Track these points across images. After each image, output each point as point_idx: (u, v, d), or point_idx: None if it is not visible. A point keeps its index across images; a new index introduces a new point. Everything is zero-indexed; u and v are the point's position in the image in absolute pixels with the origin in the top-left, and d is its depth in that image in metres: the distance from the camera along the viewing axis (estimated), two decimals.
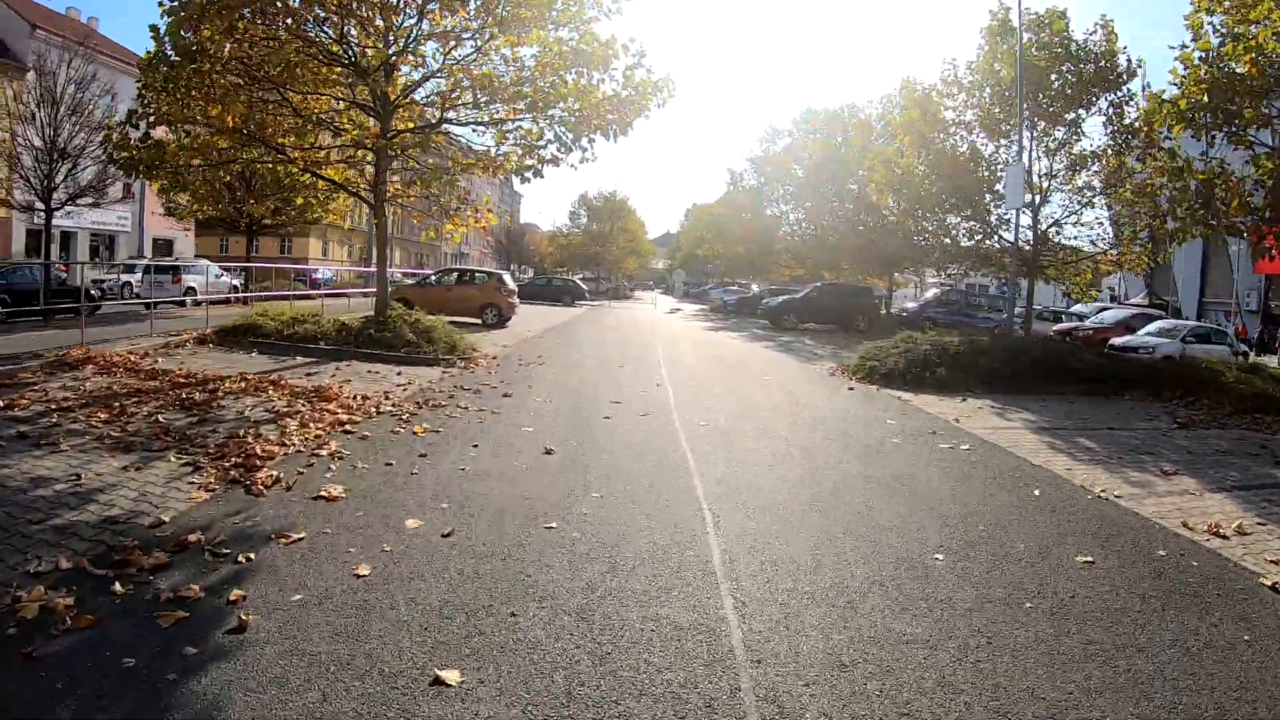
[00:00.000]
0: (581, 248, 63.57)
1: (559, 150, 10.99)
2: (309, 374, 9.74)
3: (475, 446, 6.35)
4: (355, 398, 8.15)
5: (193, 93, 9.98)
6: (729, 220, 46.07)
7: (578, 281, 41.30)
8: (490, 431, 6.97)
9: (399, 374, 10.16)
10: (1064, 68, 15.22)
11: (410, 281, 22.10)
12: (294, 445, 5.91)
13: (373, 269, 30.45)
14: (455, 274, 20.89)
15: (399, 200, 12.64)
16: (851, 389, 11.77)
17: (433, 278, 21.02)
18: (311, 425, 6.59)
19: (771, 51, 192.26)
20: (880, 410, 9.65)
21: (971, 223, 18.64)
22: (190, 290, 23.55)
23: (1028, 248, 16.53)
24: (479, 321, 19.74)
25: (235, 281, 27.09)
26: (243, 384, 8.61)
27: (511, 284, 20.67)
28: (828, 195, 35.76)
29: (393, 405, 7.94)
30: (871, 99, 35.36)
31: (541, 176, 12.03)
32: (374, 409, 7.64)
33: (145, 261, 26.42)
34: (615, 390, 9.92)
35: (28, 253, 27.61)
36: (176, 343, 11.88)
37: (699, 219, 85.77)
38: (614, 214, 64.65)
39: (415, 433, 6.72)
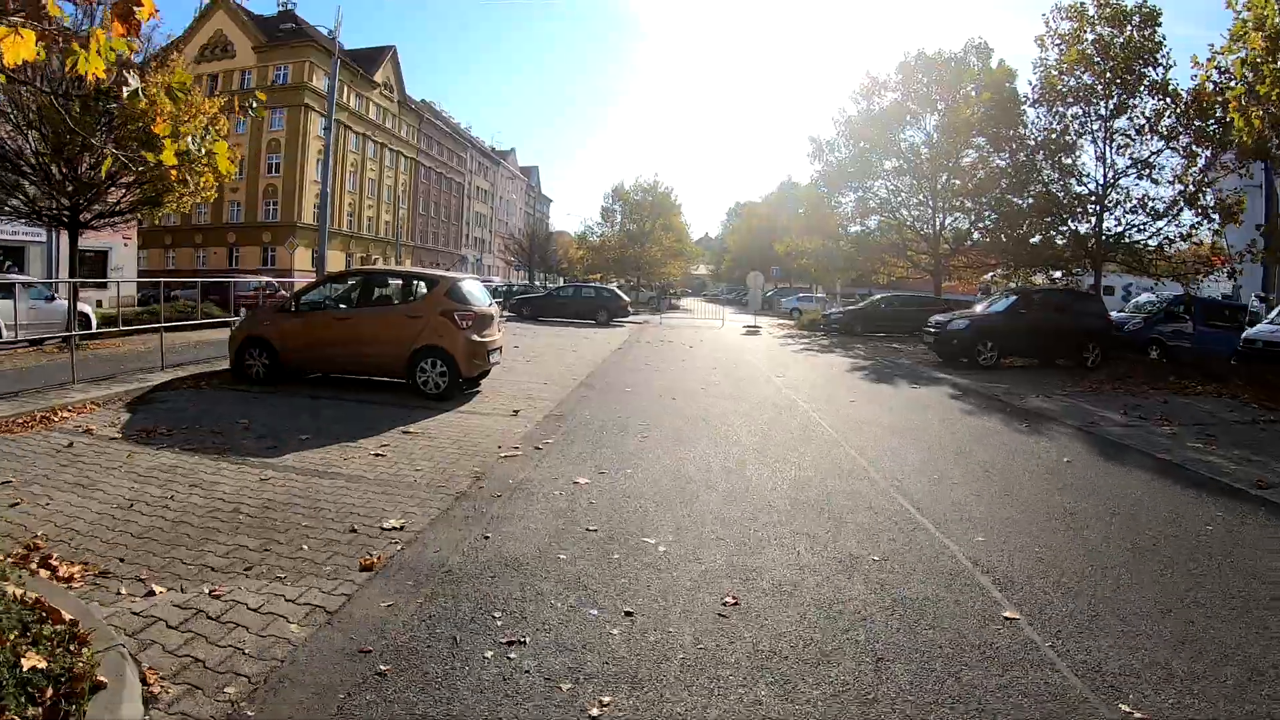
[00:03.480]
0: (617, 250, 52.52)
1: None
2: None
3: None
4: None
5: None
6: (809, 210, 34.72)
7: (617, 291, 29.99)
8: None
9: None
10: None
11: (278, 304, 11.02)
12: None
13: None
14: (360, 284, 9.71)
15: None
16: None
17: (318, 292, 10.18)
18: None
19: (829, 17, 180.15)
20: None
21: None
22: None
23: None
24: (404, 382, 8.88)
25: (86, 308, 16.62)
26: None
27: (482, 300, 9.58)
28: (964, 168, 24.95)
29: None
30: (1042, 14, 24.09)
31: None
32: None
33: None
34: None
35: None
36: None
37: (749, 216, 74.42)
38: (656, 209, 53.56)
39: None
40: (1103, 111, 19.83)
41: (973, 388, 12.23)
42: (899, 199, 29.97)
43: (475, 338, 8.81)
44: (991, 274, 34.30)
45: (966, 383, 12.86)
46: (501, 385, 10.22)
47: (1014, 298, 16.79)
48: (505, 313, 28.64)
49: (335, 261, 51.81)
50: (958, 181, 26.43)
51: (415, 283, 9.40)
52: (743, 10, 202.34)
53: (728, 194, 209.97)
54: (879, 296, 28.75)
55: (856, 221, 31.60)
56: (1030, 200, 21.12)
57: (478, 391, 9.57)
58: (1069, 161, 20.47)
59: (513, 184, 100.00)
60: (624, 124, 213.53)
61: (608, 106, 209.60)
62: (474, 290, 9.43)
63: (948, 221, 28.68)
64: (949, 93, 26.33)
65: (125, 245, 33.56)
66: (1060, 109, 20.08)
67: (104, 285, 26.61)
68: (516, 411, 8.17)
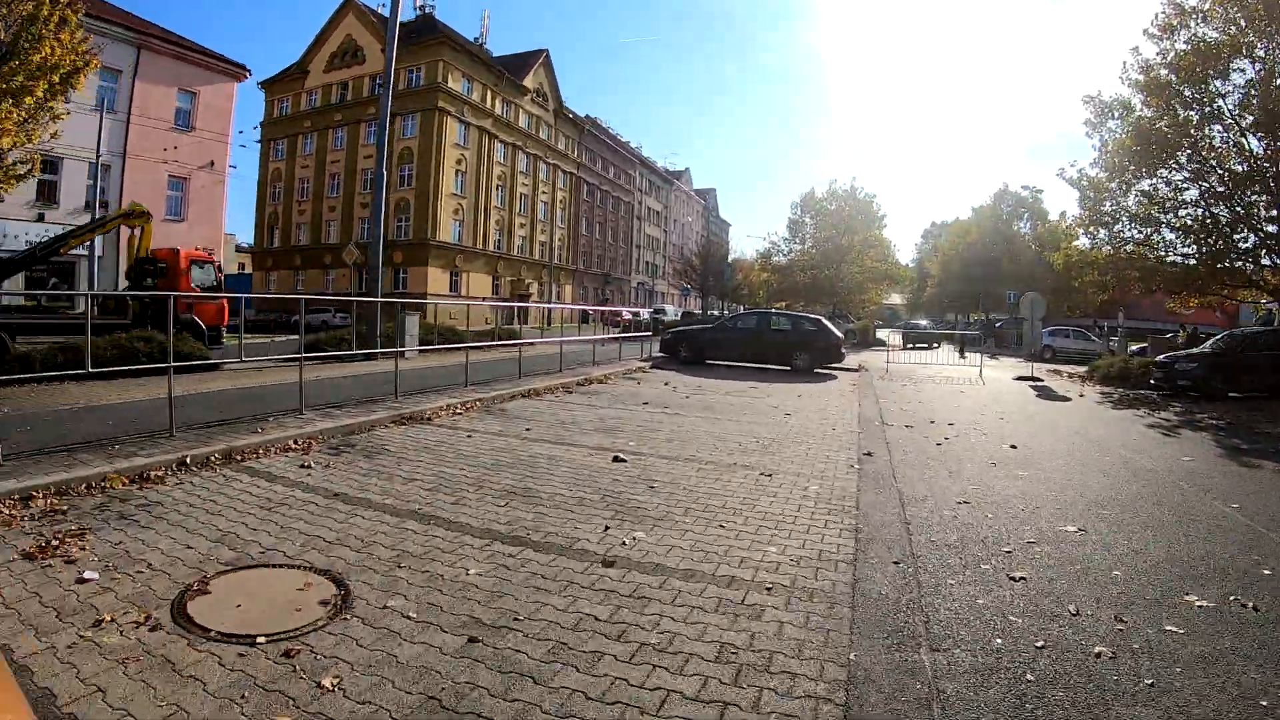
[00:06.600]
0: (808, 271, 43.22)
1: None
2: None
3: None
4: None
5: None
6: (1093, 204, 23.79)
7: (825, 323, 19.35)
8: None
9: None
10: None
11: None
12: None
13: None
14: None
15: None
16: None
17: None
18: None
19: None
20: None
21: None
22: None
23: None
24: None
25: None
26: None
27: None
28: None
29: None
30: None
31: None
32: None
33: None
34: None
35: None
36: None
37: (956, 235, 61.03)
38: (854, 220, 43.76)
39: None
40: None
41: None
42: (1223, 183, 19.37)
43: None
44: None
45: None
46: None
47: None
48: (655, 353, 20.59)
49: (479, 287, 47.00)
50: None
51: None
52: (931, 14, 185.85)
53: (921, 215, 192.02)
54: (1239, 333, 17.78)
55: (1171, 214, 21.06)
56: None
57: None
58: None
59: (688, 206, 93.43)
60: (805, 148, 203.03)
61: (786, 130, 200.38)
62: None
63: None
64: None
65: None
66: None
67: None
68: None
